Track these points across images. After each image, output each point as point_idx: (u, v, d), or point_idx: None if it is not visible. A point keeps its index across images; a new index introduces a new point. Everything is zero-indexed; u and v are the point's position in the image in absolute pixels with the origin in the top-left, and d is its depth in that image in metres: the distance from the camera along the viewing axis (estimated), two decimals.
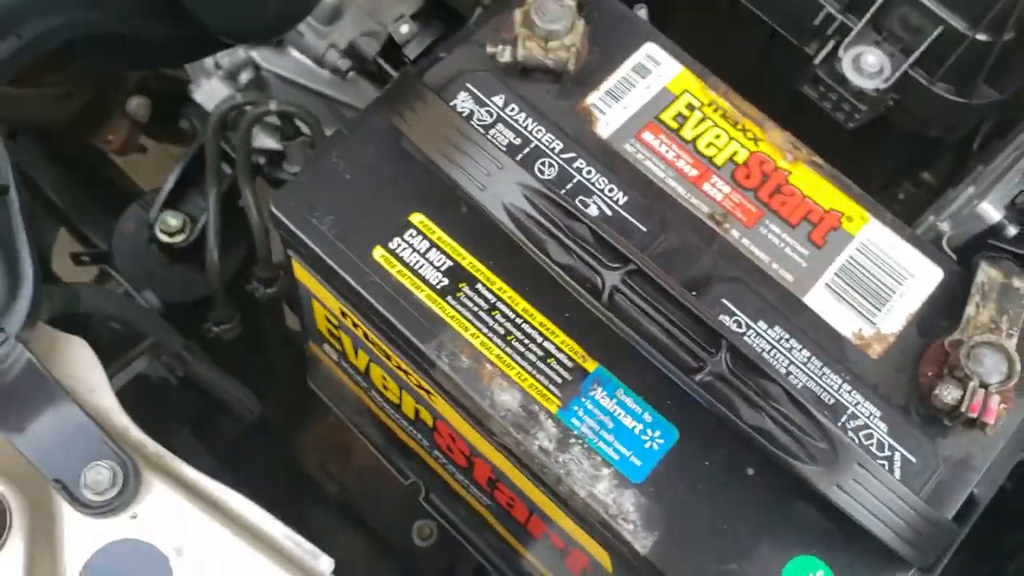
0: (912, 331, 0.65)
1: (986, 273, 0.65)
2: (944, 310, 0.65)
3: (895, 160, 0.88)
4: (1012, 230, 0.69)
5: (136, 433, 0.61)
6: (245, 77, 1.15)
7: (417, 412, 0.73)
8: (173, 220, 1.10)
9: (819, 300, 0.65)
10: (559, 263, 0.58)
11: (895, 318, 0.65)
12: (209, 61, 1.17)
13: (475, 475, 0.74)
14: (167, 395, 0.94)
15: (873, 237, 0.67)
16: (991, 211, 0.68)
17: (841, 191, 0.68)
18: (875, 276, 0.66)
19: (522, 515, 0.71)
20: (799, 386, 0.61)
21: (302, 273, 0.69)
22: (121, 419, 0.61)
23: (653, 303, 0.57)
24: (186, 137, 1.29)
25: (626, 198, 0.65)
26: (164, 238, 1.10)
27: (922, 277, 0.66)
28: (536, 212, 0.59)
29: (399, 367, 0.67)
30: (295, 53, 1.10)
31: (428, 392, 0.66)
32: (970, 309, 0.64)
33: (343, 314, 0.68)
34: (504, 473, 0.67)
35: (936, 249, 0.68)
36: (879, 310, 0.65)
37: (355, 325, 0.68)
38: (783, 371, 0.61)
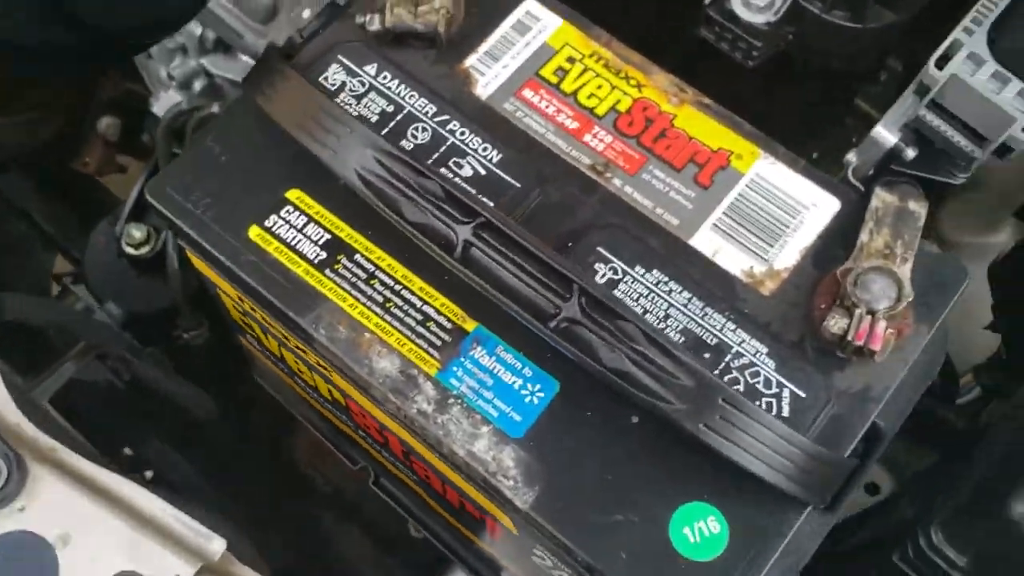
0: (807, 265, 0.63)
1: (881, 198, 0.63)
2: (841, 241, 0.63)
3: (814, 98, 0.86)
4: (911, 152, 0.66)
5: (29, 429, 0.62)
6: (199, 85, 1.17)
7: (330, 392, 0.73)
8: (137, 232, 1.11)
9: (706, 241, 0.63)
10: (413, 222, 0.57)
11: (789, 253, 0.63)
12: (163, 73, 1.19)
13: (392, 449, 0.73)
14: (126, 401, 0.95)
15: (764, 172, 0.65)
16: (886, 134, 0.65)
17: (730, 129, 0.67)
18: (766, 212, 0.64)
19: (438, 486, 0.71)
20: (679, 328, 0.59)
21: (197, 262, 0.69)
22: (12, 416, 0.62)
23: (505, 254, 0.56)
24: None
25: (500, 156, 0.64)
26: (130, 250, 1.11)
27: (818, 209, 0.64)
28: (387, 173, 0.58)
29: (297, 347, 0.67)
30: (243, 57, 1.11)
31: (327, 369, 0.66)
32: (863, 236, 0.62)
33: (240, 299, 0.68)
34: (408, 443, 0.66)
35: (833, 180, 0.66)
36: (771, 246, 0.63)
37: (253, 309, 0.68)
38: (661, 314, 0.60)
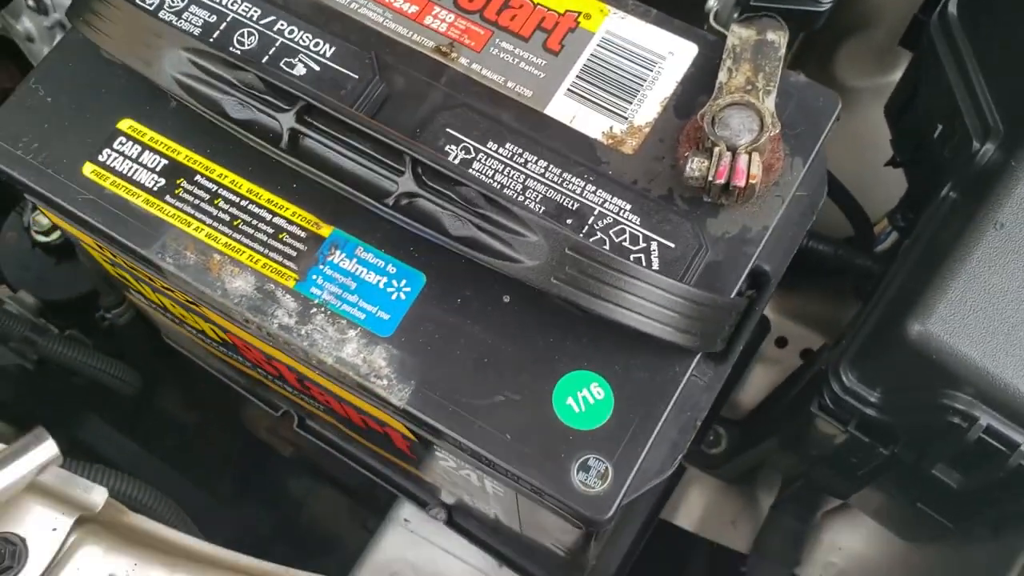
0: (669, 116, 0.60)
1: (737, 35, 0.60)
2: (703, 85, 0.60)
3: None
4: None
5: None
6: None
7: (213, 331, 0.70)
8: (44, 218, 1.08)
9: (561, 109, 0.60)
10: (238, 120, 0.54)
11: (648, 107, 0.60)
12: (35, 31, 1.14)
13: (288, 380, 0.70)
14: (43, 383, 0.93)
15: (615, 28, 0.62)
16: None
17: None
18: (621, 68, 0.61)
19: (339, 408, 0.68)
20: (538, 198, 0.56)
21: (50, 215, 0.66)
22: None
23: (334, 136, 0.53)
24: None
25: (334, 50, 0.61)
26: (40, 238, 1.08)
27: (675, 57, 0.61)
28: (204, 74, 0.55)
29: (164, 287, 0.64)
30: None
31: (195, 304, 0.63)
32: (722, 76, 0.59)
33: (100, 246, 0.65)
34: (292, 366, 0.63)
35: (689, 26, 0.63)
36: (629, 103, 0.60)
37: (114, 255, 0.65)
38: (519, 187, 0.57)
